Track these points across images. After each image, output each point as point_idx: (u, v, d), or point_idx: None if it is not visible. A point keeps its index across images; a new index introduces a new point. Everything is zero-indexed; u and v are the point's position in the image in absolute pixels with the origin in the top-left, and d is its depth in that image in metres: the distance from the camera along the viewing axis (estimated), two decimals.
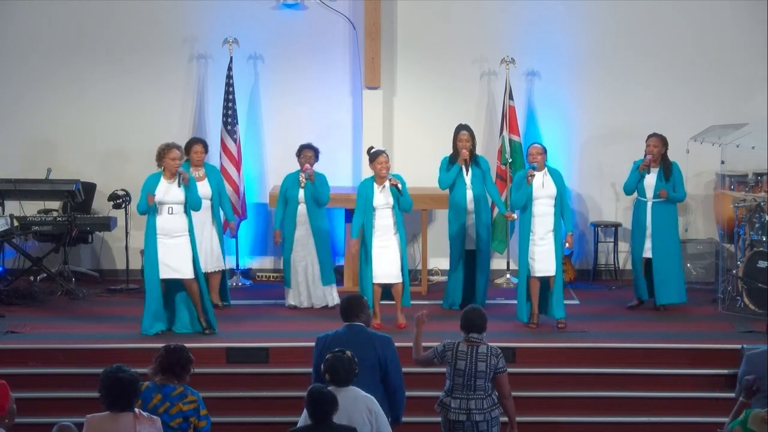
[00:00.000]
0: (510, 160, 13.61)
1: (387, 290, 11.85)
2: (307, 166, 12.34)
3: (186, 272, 11.38)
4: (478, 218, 12.42)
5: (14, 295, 12.80)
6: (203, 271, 12.35)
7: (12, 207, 13.46)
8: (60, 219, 13.34)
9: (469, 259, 12.51)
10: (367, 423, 7.57)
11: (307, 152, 12.47)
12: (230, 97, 13.58)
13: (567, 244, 11.83)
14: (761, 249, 12.34)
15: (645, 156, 12.36)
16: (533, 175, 11.57)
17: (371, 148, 12.25)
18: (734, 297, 12.45)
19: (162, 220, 11.35)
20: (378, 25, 13.78)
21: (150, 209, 11.30)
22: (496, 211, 13.29)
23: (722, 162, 13.28)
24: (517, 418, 8.77)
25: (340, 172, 13.98)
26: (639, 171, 12.37)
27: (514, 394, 8.75)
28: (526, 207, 11.64)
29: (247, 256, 14.11)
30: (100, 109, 14.09)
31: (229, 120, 13.56)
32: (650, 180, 12.38)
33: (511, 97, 13.66)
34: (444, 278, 13.28)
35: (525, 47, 13.95)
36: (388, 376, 8.33)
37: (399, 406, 8.43)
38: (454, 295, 12.45)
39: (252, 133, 14.15)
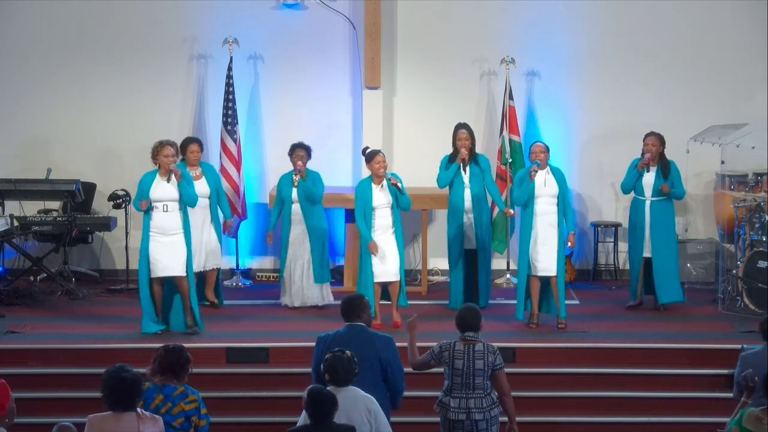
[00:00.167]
0: (510, 160, 13.61)
1: (384, 289, 11.86)
2: (299, 163, 12.35)
3: (177, 269, 11.37)
4: (476, 217, 12.41)
5: (14, 295, 12.81)
6: (201, 269, 12.41)
7: (12, 207, 13.46)
8: (60, 219, 13.34)
9: (469, 259, 12.51)
10: (366, 423, 7.57)
11: (299, 151, 12.48)
12: (230, 97, 13.58)
13: (569, 243, 11.84)
14: (761, 249, 12.34)
15: (643, 155, 12.36)
16: (536, 171, 11.57)
17: (366, 148, 12.26)
18: (734, 297, 12.45)
19: (157, 218, 11.36)
20: (378, 25, 13.79)
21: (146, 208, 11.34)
22: (496, 210, 13.29)
23: (722, 162, 13.27)
24: (518, 418, 8.77)
25: (340, 172, 13.99)
26: (637, 169, 12.37)
27: (514, 394, 8.76)
28: (527, 205, 11.64)
29: (247, 256, 14.11)
30: (100, 109, 14.09)
31: (229, 120, 13.56)
32: (649, 179, 12.38)
33: (511, 97, 13.66)
34: (444, 278, 13.29)
35: (525, 47, 13.95)
36: (389, 376, 8.33)
37: (396, 400, 8.45)
38: (456, 295, 12.44)
39: (252, 133, 14.15)
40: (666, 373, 10.98)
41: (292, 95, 14.12)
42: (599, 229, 14.14)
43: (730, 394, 9.12)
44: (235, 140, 13.55)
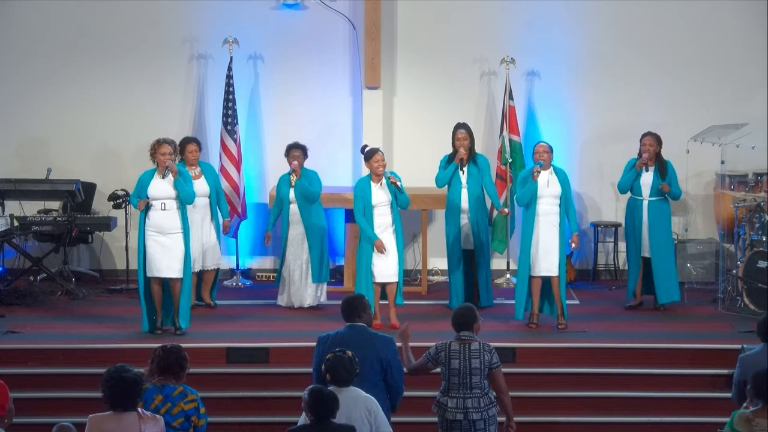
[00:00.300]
0: (510, 160, 13.61)
1: (381, 289, 11.85)
2: (295, 163, 12.35)
3: (173, 271, 11.36)
4: (474, 217, 12.41)
5: (14, 295, 12.80)
6: (200, 268, 12.41)
7: (12, 207, 13.46)
8: (60, 219, 13.34)
9: (468, 259, 12.51)
10: (366, 423, 7.57)
11: (295, 151, 12.48)
12: (230, 97, 13.58)
13: (573, 245, 11.83)
14: (761, 249, 12.34)
15: (640, 154, 12.36)
16: (539, 172, 11.57)
17: (365, 146, 12.25)
18: (734, 297, 12.45)
19: (155, 216, 11.36)
20: (378, 25, 13.78)
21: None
22: (495, 211, 13.28)
23: (722, 162, 13.27)
24: (518, 418, 8.77)
25: (339, 172, 13.99)
26: (636, 169, 12.37)
27: (514, 394, 8.76)
28: (529, 205, 11.64)
29: (247, 256, 14.11)
30: (100, 110, 14.09)
31: (229, 120, 13.56)
32: (647, 179, 12.38)
33: (511, 97, 13.66)
34: (444, 278, 13.28)
35: (525, 47, 13.95)
36: (388, 377, 8.33)
37: (395, 403, 8.42)
38: (457, 295, 12.43)
39: (252, 133, 14.15)
40: (666, 373, 10.98)
41: (292, 95, 14.12)
42: (599, 229, 14.14)
43: (730, 394, 9.12)
44: (235, 140, 13.55)
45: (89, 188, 13.81)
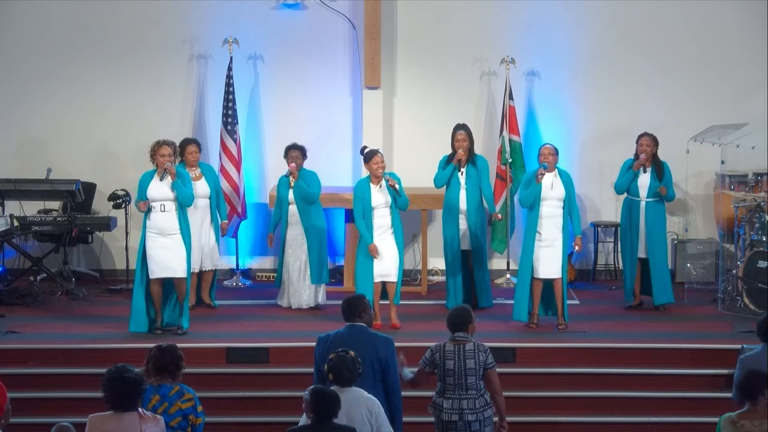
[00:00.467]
0: (510, 160, 13.60)
1: (382, 288, 11.85)
2: (292, 165, 12.34)
3: (177, 271, 11.36)
4: (472, 218, 12.41)
5: (14, 295, 12.80)
6: (199, 269, 12.41)
7: (12, 207, 13.46)
8: (60, 219, 13.34)
9: (466, 260, 12.51)
10: (366, 423, 7.57)
11: (293, 152, 12.48)
12: (230, 97, 13.58)
13: (576, 247, 11.82)
14: (761, 249, 12.34)
15: (638, 155, 12.36)
16: (543, 174, 11.56)
17: (364, 147, 12.25)
18: (734, 297, 12.45)
19: (155, 218, 11.36)
20: (378, 25, 13.78)
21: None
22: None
23: (722, 162, 13.27)
24: (518, 418, 8.78)
25: (339, 172, 13.99)
26: (634, 170, 12.37)
27: (514, 394, 8.77)
28: (533, 207, 11.63)
29: (247, 256, 14.11)
30: (100, 110, 14.09)
31: (229, 120, 13.56)
32: (644, 180, 12.38)
33: (511, 97, 13.66)
34: (444, 278, 13.27)
35: (525, 47, 13.96)
36: (387, 377, 8.32)
37: (396, 412, 8.35)
38: (456, 295, 12.43)
39: (252, 133, 14.15)
40: (666, 373, 10.97)
41: (292, 95, 14.12)
42: (599, 229, 14.14)
43: (730, 394, 9.12)
44: (235, 140, 13.55)
45: (89, 188, 13.81)
